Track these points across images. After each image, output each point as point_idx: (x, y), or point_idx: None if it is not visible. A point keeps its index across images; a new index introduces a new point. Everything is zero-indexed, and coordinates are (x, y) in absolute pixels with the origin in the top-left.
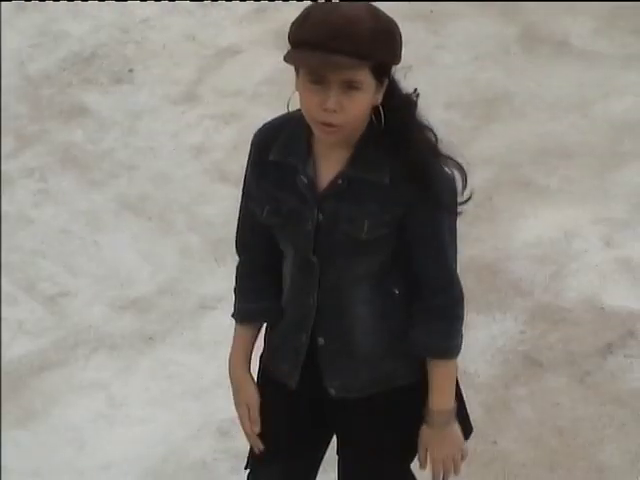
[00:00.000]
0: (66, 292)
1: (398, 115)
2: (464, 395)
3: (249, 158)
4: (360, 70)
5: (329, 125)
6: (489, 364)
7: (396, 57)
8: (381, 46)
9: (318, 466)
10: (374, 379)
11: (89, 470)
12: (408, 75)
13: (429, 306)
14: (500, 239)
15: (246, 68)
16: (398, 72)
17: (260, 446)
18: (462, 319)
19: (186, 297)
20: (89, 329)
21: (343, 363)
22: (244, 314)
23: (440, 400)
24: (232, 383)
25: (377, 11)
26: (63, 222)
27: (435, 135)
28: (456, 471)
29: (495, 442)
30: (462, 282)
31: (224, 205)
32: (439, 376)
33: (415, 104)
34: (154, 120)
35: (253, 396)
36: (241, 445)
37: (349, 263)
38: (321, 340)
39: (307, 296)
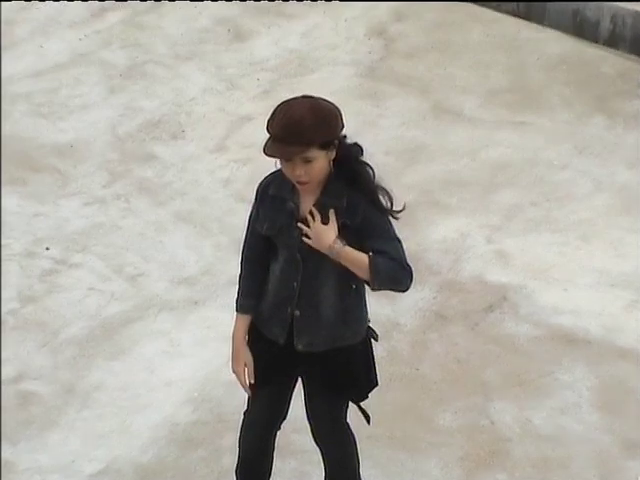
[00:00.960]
0: (142, 273)
1: (348, 160)
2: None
3: (255, 200)
4: (310, 150)
5: (302, 183)
6: (413, 318)
7: (335, 134)
8: (320, 132)
9: (291, 392)
10: (329, 339)
11: (157, 387)
12: (360, 134)
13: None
14: (420, 238)
15: (257, 129)
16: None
17: (249, 392)
18: (400, 279)
19: (219, 276)
20: (156, 297)
21: (310, 328)
22: (245, 309)
23: (350, 255)
24: (233, 350)
25: (318, 104)
26: (140, 228)
27: (372, 169)
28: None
29: (417, 369)
30: None
31: (243, 217)
32: (359, 261)
33: (358, 149)
34: (198, 163)
35: (250, 358)
36: None
37: (322, 262)
38: (297, 312)
39: (292, 282)
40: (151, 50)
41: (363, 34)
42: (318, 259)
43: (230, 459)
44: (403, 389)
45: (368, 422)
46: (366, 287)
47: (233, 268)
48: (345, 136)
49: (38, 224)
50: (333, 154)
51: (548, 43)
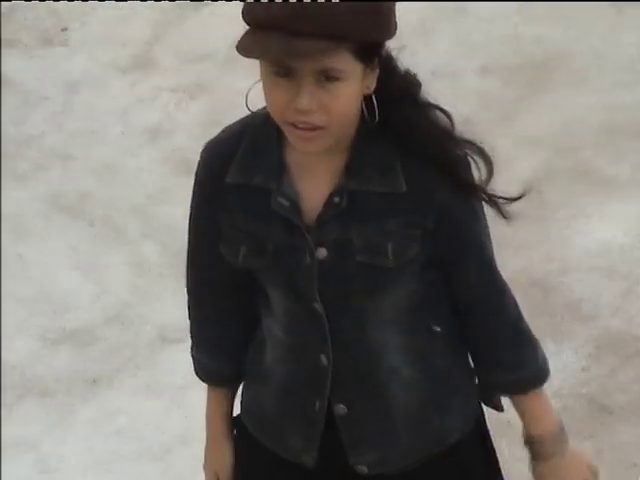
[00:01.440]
0: None
1: (398, 103)
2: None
3: (200, 187)
4: (338, 55)
5: (308, 129)
6: None
7: (386, 32)
8: (363, 20)
9: None
10: (420, 443)
11: None
12: (430, 33)
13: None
14: (554, 246)
15: (216, 22)
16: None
17: None
18: (529, 332)
19: (141, 326)
20: (12, 370)
21: (375, 431)
22: (219, 377)
23: (540, 423)
24: (208, 442)
25: None
26: None
27: (449, 116)
28: None
29: None
30: None
31: (188, 205)
32: (531, 406)
33: (418, 84)
34: (95, 94)
35: (225, 465)
36: None
37: (370, 304)
38: (341, 407)
39: (316, 354)
40: None
41: None
42: (361, 302)
43: None
44: None
45: None
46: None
47: (169, 309)
48: (393, 57)
49: None
50: (373, 81)
51: None
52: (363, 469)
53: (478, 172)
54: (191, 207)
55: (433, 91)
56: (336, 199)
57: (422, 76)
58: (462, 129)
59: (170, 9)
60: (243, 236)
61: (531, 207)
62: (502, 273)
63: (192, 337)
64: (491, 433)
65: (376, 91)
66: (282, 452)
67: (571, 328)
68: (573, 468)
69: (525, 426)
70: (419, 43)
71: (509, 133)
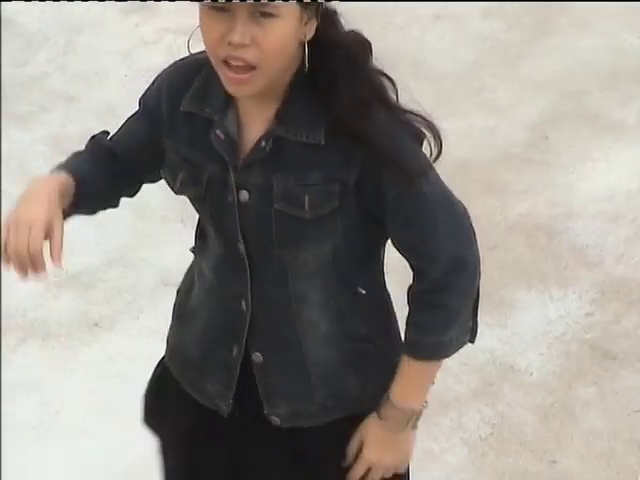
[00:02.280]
0: None
1: (329, 56)
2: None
3: (147, 99)
4: None
5: (240, 70)
6: (545, 358)
7: None
8: None
9: None
10: (335, 404)
11: None
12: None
13: (413, 293)
14: (559, 191)
15: None
16: None
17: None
18: (452, 310)
19: (143, 270)
20: (15, 314)
21: (289, 384)
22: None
23: (407, 396)
24: (29, 193)
25: None
26: None
27: (393, 84)
28: None
29: (554, 461)
30: (508, 245)
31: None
32: (413, 373)
33: (363, 44)
34: (98, 36)
35: (60, 221)
36: None
37: (291, 255)
38: (257, 356)
39: (236, 299)
40: None
41: None
42: (282, 250)
43: None
44: None
45: None
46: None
47: (171, 253)
48: (336, 12)
49: None
50: (311, 29)
51: None
52: (276, 420)
53: (429, 147)
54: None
55: (436, 34)
56: (262, 143)
57: (425, 19)
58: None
59: None
60: (183, 163)
61: (536, 152)
62: (507, 217)
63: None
64: (493, 377)
65: (313, 41)
66: (200, 398)
67: (576, 273)
68: (396, 448)
69: (395, 387)
70: None
71: (513, 77)
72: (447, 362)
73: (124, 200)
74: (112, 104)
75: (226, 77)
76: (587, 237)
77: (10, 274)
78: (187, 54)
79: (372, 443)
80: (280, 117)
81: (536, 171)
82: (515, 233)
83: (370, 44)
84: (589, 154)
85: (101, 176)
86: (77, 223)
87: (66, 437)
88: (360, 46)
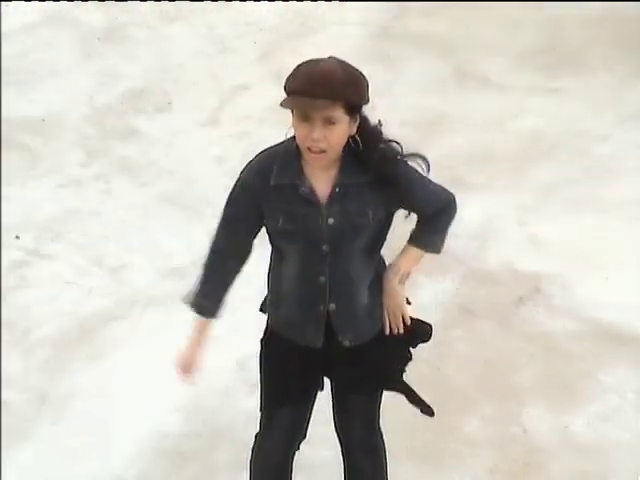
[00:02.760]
0: (124, 264)
1: (368, 138)
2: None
3: (241, 187)
4: (335, 109)
5: (317, 152)
6: (434, 313)
7: (363, 98)
8: (350, 90)
9: (313, 404)
10: (371, 328)
11: (143, 394)
12: (371, 103)
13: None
14: None
15: (255, 99)
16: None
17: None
18: (443, 224)
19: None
20: (141, 291)
21: (352, 319)
22: (208, 312)
23: (402, 262)
24: (187, 354)
25: (347, 65)
26: (121, 213)
27: (399, 144)
28: (405, 318)
29: (439, 369)
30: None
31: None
32: (412, 254)
33: (380, 131)
34: (187, 138)
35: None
36: (254, 375)
37: (353, 244)
38: (332, 306)
39: (317, 276)
40: (132, 9)
41: None
42: (348, 247)
43: (226, 477)
44: (423, 394)
45: (432, 414)
46: None
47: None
48: (367, 117)
49: (6, 209)
50: (354, 128)
51: None
52: (347, 343)
53: (421, 168)
54: (229, 199)
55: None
56: (337, 189)
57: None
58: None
59: (229, 91)
60: (281, 211)
61: None
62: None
63: (199, 283)
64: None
65: (356, 134)
66: (302, 341)
67: (451, 267)
68: (400, 293)
69: (402, 260)
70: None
71: None
72: None
73: (200, 228)
74: (195, 175)
75: (309, 156)
76: (457, 246)
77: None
78: (236, 148)
79: (391, 294)
80: (342, 172)
81: None
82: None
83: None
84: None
85: (231, 279)
86: (172, 239)
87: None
88: (380, 132)
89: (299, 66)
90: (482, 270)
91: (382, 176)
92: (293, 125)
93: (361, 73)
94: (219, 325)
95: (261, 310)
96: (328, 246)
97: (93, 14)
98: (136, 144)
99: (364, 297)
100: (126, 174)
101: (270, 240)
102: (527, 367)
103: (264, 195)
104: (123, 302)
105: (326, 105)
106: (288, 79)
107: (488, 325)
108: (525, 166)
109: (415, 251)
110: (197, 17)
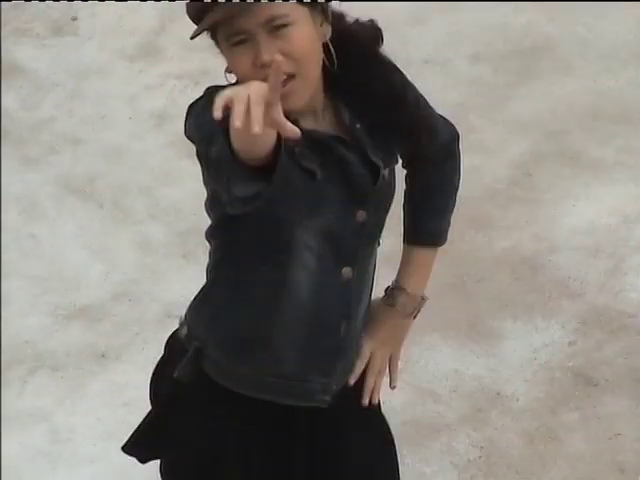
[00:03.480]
0: None
1: (354, 48)
2: None
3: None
4: (278, 1)
5: (282, 83)
6: (530, 384)
7: None
8: None
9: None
10: (348, 371)
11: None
12: (422, 23)
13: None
14: (542, 226)
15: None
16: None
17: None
18: (445, 195)
19: (148, 303)
20: (26, 345)
21: (348, 359)
22: None
23: (417, 284)
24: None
25: None
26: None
27: (400, 73)
28: (392, 377)
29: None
30: (495, 278)
31: (193, 187)
32: (423, 260)
33: (376, 30)
34: (104, 81)
35: None
36: None
37: (383, 213)
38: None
39: (339, 272)
40: None
41: None
42: (387, 211)
43: None
44: None
45: None
46: None
47: (174, 287)
48: (342, 12)
49: None
50: (327, 28)
51: None
52: (326, 397)
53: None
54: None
55: (425, 78)
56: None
57: (415, 64)
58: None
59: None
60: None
61: (521, 189)
62: (493, 251)
63: None
64: (482, 403)
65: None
66: (299, 401)
67: (559, 304)
68: (400, 331)
69: (409, 279)
70: (412, 32)
71: (499, 118)
72: (437, 390)
73: (130, 238)
74: (118, 145)
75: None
76: (569, 270)
77: (18, 307)
78: (187, 97)
79: (381, 328)
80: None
81: (520, 207)
82: (501, 266)
83: (380, 31)
84: (570, 191)
85: None
86: (86, 259)
87: (75, 464)
88: (377, 36)
89: None
90: (614, 311)
91: (389, 106)
92: (228, 62)
93: None
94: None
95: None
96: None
97: None
98: (16, 91)
99: (364, 313)
100: (3, 141)
101: (248, 234)
102: None
103: None
104: None
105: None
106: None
107: (624, 405)
108: None
109: (429, 254)
110: None
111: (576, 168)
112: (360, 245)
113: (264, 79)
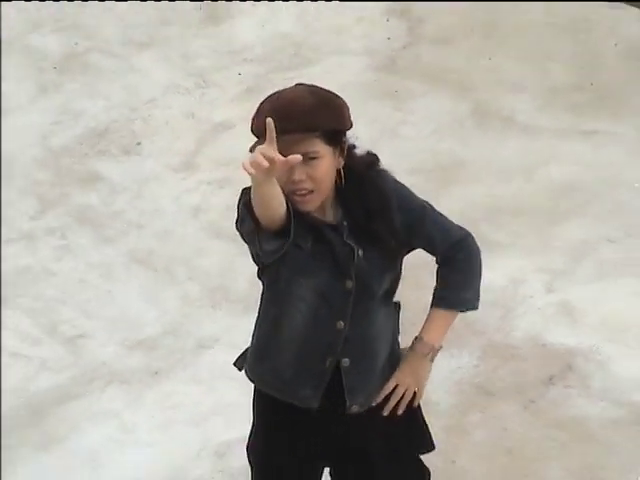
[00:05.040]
0: (83, 334)
1: (359, 170)
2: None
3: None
4: (312, 141)
5: (304, 195)
6: (448, 394)
7: (342, 123)
8: (324, 116)
9: None
10: (375, 393)
11: None
12: (376, 146)
13: (445, 259)
14: None
15: (238, 140)
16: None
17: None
18: (477, 272)
19: (186, 338)
20: (103, 366)
21: (367, 380)
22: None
23: (434, 336)
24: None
25: (318, 88)
26: (80, 273)
27: (396, 181)
28: (400, 404)
29: (454, 461)
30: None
31: (219, 258)
32: (442, 320)
33: (373, 158)
34: (159, 185)
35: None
36: (235, 466)
37: (381, 282)
38: (346, 361)
39: (334, 321)
40: (94, 33)
41: (380, 13)
42: (375, 283)
43: None
44: None
45: None
46: None
47: (205, 327)
48: (355, 145)
49: None
50: (342, 160)
51: (629, 24)
52: (355, 408)
53: None
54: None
55: None
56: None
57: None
58: None
59: (208, 131)
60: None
61: None
62: (424, 303)
63: None
64: None
65: (344, 167)
66: (294, 401)
67: (468, 339)
68: (420, 370)
69: (429, 332)
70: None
71: None
72: None
73: (175, 293)
74: (167, 230)
75: (296, 202)
76: (475, 315)
77: (98, 339)
78: (216, 197)
79: (405, 368)
80: (339, 207)
81: None
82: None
83: (377, 157)
84: None
85: None
86: (145, 307)
87: (137, 449)
88: (375, 161)
89: (263, 101)
90: (505, 344)
91: (378, 208)
92: None
93: (336, 95)
94: (195, 402)
95: (235, 364)
96: (356, 284)
97: (49, 39)
98: (98, 192)
99: (385, 353)
100: (86, 227)
101: (270, 279)
102: (557, 459)
103: None
104: (81, 378)
105: (300, 139)
106: (253, 120)
107: (512, 409)
108: (555, 222)
109: (445, 315)
110: (171, 44)
111: (483, 245)
112: (352, 306)
113: (292, 191)
